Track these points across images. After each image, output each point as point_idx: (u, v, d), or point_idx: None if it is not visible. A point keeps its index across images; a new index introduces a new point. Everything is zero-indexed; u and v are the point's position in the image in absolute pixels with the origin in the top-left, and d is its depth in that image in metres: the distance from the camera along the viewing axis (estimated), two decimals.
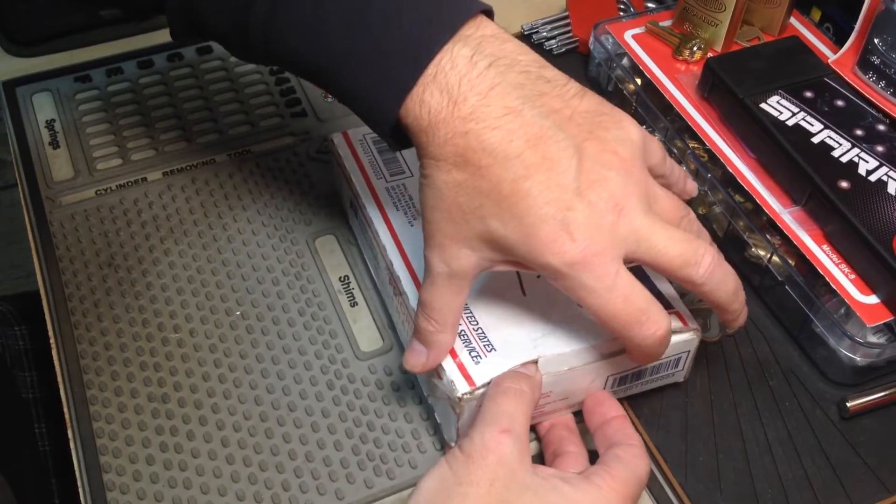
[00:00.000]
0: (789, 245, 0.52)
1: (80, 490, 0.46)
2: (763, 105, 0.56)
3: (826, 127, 0.55)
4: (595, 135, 0.39)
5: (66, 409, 0.48)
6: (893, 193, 0.51)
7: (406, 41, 0.38)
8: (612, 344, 0.44)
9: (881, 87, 0.59)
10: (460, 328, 0.44)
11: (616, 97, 0.64)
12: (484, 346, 0.44)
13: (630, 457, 0.41)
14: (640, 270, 0.48)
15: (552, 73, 0.40)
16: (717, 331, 0.52)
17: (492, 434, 0.39)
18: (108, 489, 0.45)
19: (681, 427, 0.48)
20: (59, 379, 0.50)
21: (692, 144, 0.59)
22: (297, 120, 0.64)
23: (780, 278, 0.51)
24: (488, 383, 0.42)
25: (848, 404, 0.48)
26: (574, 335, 0.44)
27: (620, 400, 0.47)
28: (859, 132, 0.54)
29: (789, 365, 0.51)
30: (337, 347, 0.51)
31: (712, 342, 0.52)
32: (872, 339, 0.50)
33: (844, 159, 0.53)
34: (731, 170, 0.56)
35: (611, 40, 0.64)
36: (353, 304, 0.53)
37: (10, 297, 0.73)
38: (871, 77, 0.59)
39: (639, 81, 0.63)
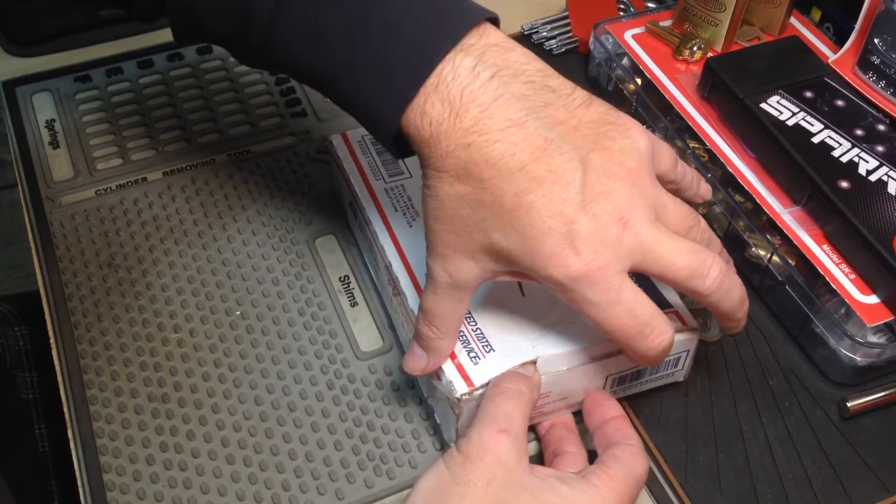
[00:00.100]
0: (789, 245, 0.52)
1: (80, 490, 0.46)
2: (763, 105, 0.56)
3: (826, 127, 0.55)
4: (601, 145, 0.39)
5: (66, 409, 0.49)
6: (893, 193, 0.51)
7: (408, 50, 0.38)
8: (611, 344, 0.44)
9: (881, 87, 0.59)
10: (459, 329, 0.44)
11: (616, 97, 0.64)
12: (482, 346, 0.44)
13: (628, 456, 0.41)
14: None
15: (557, 81, 0.39)
16: (717, 331, 0.52)
17: (489, 434, 0.39)
18: (108, 489, 0.45)
19: (681, 427, 0.48)
20: (59, 379, 0.50)
21: (692, 144, 0.59)
22: (297, 120, 0.64)
23: (780, 278, 0.51)
24: (487, 384, 0.42)
25: (848, 404, 0.48)
26: (573, 335, 0.44)
27: (620, 400, 0.47)
28: (859, 132, 0.54)
29: (789, 365, 0.51)
30: (337, 347, 0.51)
31: (712, 342, 0.52)
32: (872, 338, 0.50)
33: (844, 159, 0.53)
34: (731, 170, 0.56)
35: (611, 40, 0.64)
36: (353, 304, 0.53)
37: (10, 297, 0.73)
38: (871, 77, 0.59)
39: (639, 81, 0.63)
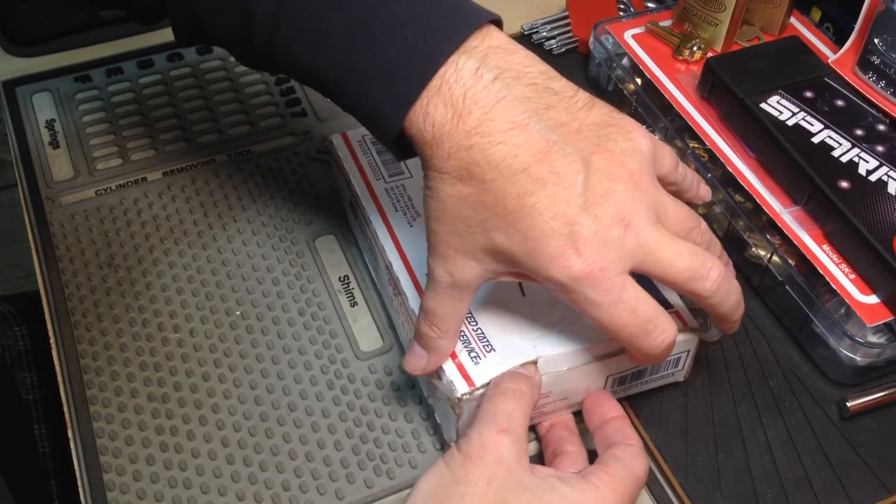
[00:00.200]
0: (789, 245, 0.52)
1: (80, 490, 0.46)
2: (763, 105, 0.56)
3: (826, 127, 0.55)
4: (603, 147, 0.39)
5: (66, 409, 0.49)
6: (893, 193, 0.51)
7: (411, 53, 0.38)
8: (611, 344, 0.44)
9: (881, 87, 0.59)
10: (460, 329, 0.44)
11: (616, 97, 0.64)
12: (483, 346, 0.44)
13: (628, 456, 0.41)
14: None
15: (560, 84, 0.40)
16: (717, 331, 0.52)
17: (490, 434, 0.39)
18: (108, 489, 0.45)
19: (681, 427, 0.48)
20: (59, 379, 0.50)
21: (692, 144, 0.59)
22: (297, 120, 0.64)
23: (780, 278, 0.51)
24: (488, 384, 0.42)
25: (848, 404, 0.48)
26: (573, 335, 0.44)
27: (620, 400, 0.47)
28: (859, 132, 0.54)
29: (789, 365, 0.51)
30: (337, 347, 0.51)
31: (712, 342, 0.52)
32: (872, 338, 0.50)
33: (844, 159, 0.53)
34: (731, 170, 0.56)
35: (611, 40, 0.64)
36: (353, 304, 0.53)
37: (10, 297, 0.73)
38: (871, 77, 0.59)
39: (639, 81, 0.63)
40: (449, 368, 0.43)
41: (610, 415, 0.44)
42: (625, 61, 0.64)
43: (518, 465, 0.39)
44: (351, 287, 0.54)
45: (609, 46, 0.64)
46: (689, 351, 0.47)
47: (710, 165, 0.57)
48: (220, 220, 0.57)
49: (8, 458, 0.63)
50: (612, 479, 0.39)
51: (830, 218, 0.51)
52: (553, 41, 0.70)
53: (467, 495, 0.38)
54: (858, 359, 0.48)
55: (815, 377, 0.51)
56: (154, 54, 0.68)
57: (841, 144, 0.54)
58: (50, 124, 0.63)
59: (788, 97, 0.56)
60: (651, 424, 0.48)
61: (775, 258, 0.51)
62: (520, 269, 0.39)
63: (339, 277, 0.54)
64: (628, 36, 0.65)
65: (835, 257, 0.51)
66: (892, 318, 0.49)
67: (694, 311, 0.47)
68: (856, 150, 0.53)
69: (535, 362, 0.43)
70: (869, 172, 0.52)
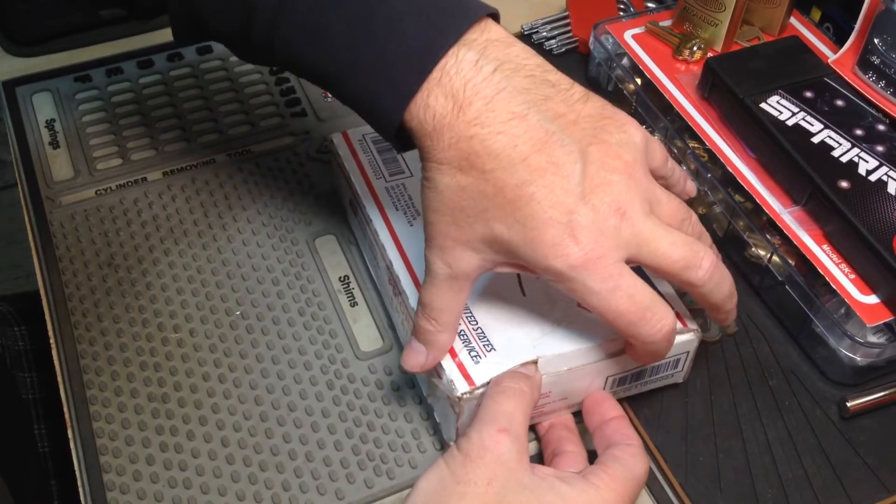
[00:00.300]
0: (789, 245, 0.52)
1: (80, 490, 0.46)
2: (763, 105, 0.56)
3: (826, 127, 0.55)
4: (599, 139, 0.39)
5: (66, 409, 0.48)
6: (893, 193, 0.51)
7: (411, 46, 0.38)
8: (612, 344, 0.44)
9: (881, 87, 0.59)
10: (460, 328, 0.44)
11: (616, 97, 0.64)
12: (483, 345, 0.44)
13: (628, 456, 0.41)
14: (639, 271, 0.48)
15: (556, 76, 0.40)
16: (716, 331, 0.52)
17: (490, 433, 0.39)
18: (108, 489, 0.45)
19: (681, 427, 0.48)
20: (59, 379, 0.50)
21: (692, 144, 0.59)
22: (297, 120, 0.64)
23: (780, 278, 0.51)
24: (488, 383, 0.42)
25: (848, 404, 0.48)
26: (574, 335, 0.44)
27: (620, 400, 0.47)
28: (859, 132, 0.54)
29: (789, 365, 0.51)
30: (337, 347, 0.51)
31: (712, 342, 0.52)
32: (872, 338, 0.50)
33: (844, 159, 0.53)
34: (731, 170, 0.56)
35: (611, 40, 0.64)
36: (353, 304, 0.53)
37: (10, 297, 0.73)
38: (871, 77, 0.59)
39: (639, 81, 0.63)
40: (449, 367, 0.43)
41: (610, 415, 0.44)
42: (625, 61, 0.64)
43: (518, 464, 0.39)
44: (351, 287, 0.54)
45: (609, 46, 0.64)
46: (688, 352, 0.47)
47: (710, 165, 0.57)
48: (220, 220, 0.57)
49: (8, 458, 0.63)
50: (612, 478, 0.39)
51: (830, 218, 0.51)
52: (553, 41, 0.70)
53: (467, 495, 0.38)
54: (858, 359, 0.48)
55: (815, 377, 0.51)
56: (154, 54, 0.68)
57: (841, 144, 0.54)
58: (50, 124, 0.63)
59: (788, 97, 0.56)
60: (651, 424, 0.48)
61: (775, 258, 0.51)
62: (518, 259, 0.39)
63: (339, 277, 0.54)
64: (628, 36, 0.65)
65: (835, 257, 0.51)
66: (892, 318, 0.49)
67: (693, 312, 0.47)
68: (856, 150, 0.53)
69: (535, 362, 0.43)
70: (869, 172, 0.52)
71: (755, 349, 0.52)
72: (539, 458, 0.46)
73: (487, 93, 0.38)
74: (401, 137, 0.41)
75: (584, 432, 0.46)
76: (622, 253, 0.39)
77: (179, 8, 0.45)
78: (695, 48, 0.63)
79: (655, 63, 0.63)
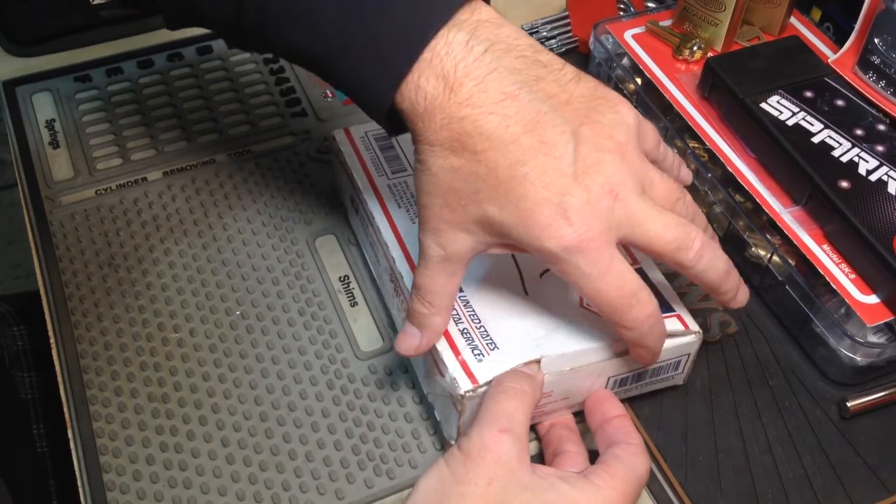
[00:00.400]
0: (789, 245, 0.52)
1: (80, 490, 0.46)
2: (763, 105, 0.56)
3: (826, 127, 0.55)
4: (592, 119, 0.39)
5: (66, 409, 0.48)
6: (893, 193, 0.51)
7: (401, 28, 0.38)
8: (614, 345, 0.44)
9: (881, 87, 0.59)
10: (463, 326, 0.44)
11: None
12: (487, 344, 0.44)
13: (629, 455, 0.41)
14: (639, 272, 0.47)
15: (548, 56, 0.40)
16: (717, 331, 0.52)
17: (491, 433, 0.39)
18: (108, 489, 0.45)
19: (681, 427, 0.48)
20: (59, 379, 0.50)
21: (692, 144, 0.59)
22: (297, 120, 0.64)
23: (780, 278, 0.51)
24: (490, 381, 0.42)
25: (848, 404, 0.48)
26: (577, 335, 0.44)
27: (621, 400, 0.47)
28: (859, 132, 0.54)
29: (789, 365, 0.51)
30: (337, 347, 0.51)
31: (712, 342, 0.52)
32: (872, 338, 0.50)
33: (844, 159, 0.53)
34: (731, 170, 0.56)
35: (611, 40, 0.64)
36: (353, 304, 0.53)
37: (9, 296, 0.73)
38: (871, 77, 0.59)
39: (639, 81, 0.63)
40: (452, 365, 0.43)
41: (611, 414, 0.44)
42: (625, 61, 0.64)
43: (519, 464, 0.39)
44: (351, 287, 0.54)
45: (609, 46, 0.64)
46: (689, 354, 0.47)
47: (710, 165, 0.57)
48: (220, 220, 0.57)
49: (7, 458, 0.63)
50: (613, 478, 0.39)
51: (830, 218, 0.51)
52: (553, 41, 0.70)
53: (468, 495, 0.38)
54: (858, 359, 0.48)
55: (815, 377, 0.51)
56: (154, 54, 0.68)
57: (841, 144, 0.54)
58: (50, 124, 0.63)
59: (788, 97, 0.56)
60: (651, 424, 0.48)
61: (775, 258, 0.51)
62: (511, 240, 0.39)
63: (339, 277, 0.54)
64: (628, 36, 0.65)
65: (835, 257, 0.51)
66: (892, 317, 0.49)
67: (694, 313, 0.47)
68: (856, 150, 0.53)
69: (538, 361, 0.43)
70: (869, 172, 0.52)
71: (755, 349, 0.52)
72: (540, 458, 0.46)
73: (479, 73, 0.38)
74: (393, 121, 0.41)
75: (585, 432, 0.46)
76: (614, 234, 0.39)
77: None
78: (695, 48, 0.63)
79: (655, 63, 0.63)
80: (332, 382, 0.49)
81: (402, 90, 0.39)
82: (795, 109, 0.56)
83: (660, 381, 0.48)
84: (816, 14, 0.66)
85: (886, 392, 0.49)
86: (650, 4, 0.73)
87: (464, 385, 0.42)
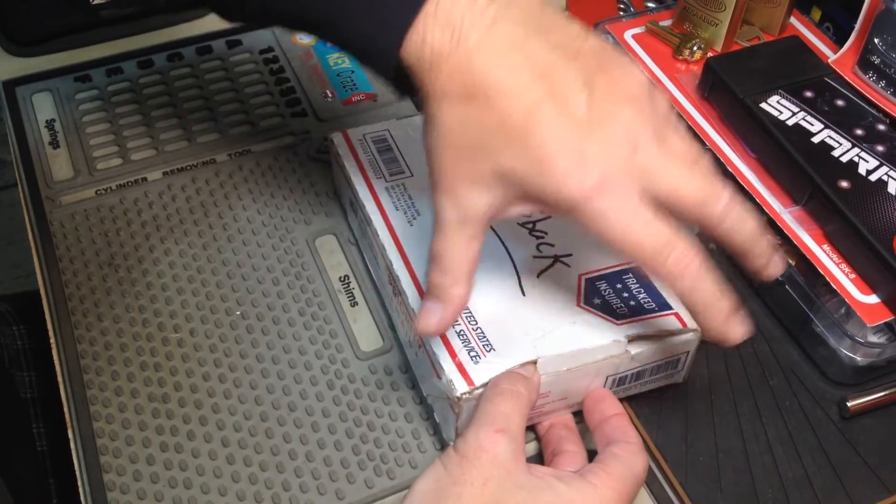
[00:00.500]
0: (789, 245, 0.52)
1: (81, 490, 0.46)
2: (763, 105, 0.56)
3: (826, 126, 0.55)
4: (604, 70, 0.38)
5: (66, 409, 0.48)
6: (893, 193, 0.51)
7: None
8: (612, 346, 0.44)
9: (881, 87, 0.59)
10: (460, 328, 0.44)
11: None
12: (483, 346, 0.44)
13: (627, 454, 0.41)
14: (638, 271, 0.48)
15: (553, 11, 0.39)
16: None
17: (487, 434, 0.39)
18: (108, 489, 0.45)
19: (681, 427, 0.48)
20: (60, 379, 0.50)
21: None
22: (297, 120, 0.64)
23: (780, 278, 0.51)
24: (487, 383, 0.42)
25: (848, 404, 0.48)
26: (574, 336, 0.44)
27: (620, 400, 0.47)
28: (859, 132, 0.54)
29: (789, 365, 0.51)
30: (337, 347, 0.51)
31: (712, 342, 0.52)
32: (873, 338, 0.50)
33: (844, 159, 0.53)
34: (731, 170, 0.56)
35: (611, 40, 0.64)
36: (354, 304, 0.53)
37: (9, 296, 0.73)
38: (872, 77, 0.59)
39: None
40: (448, 367, 0.43)
41: (609, 412, 0.44)
42: None
43: (515, 464, 0.39)
44: (351, 287, 0.54)
45: None
46: (688, 352, 0.47)
47: None
48: (220, 220, 0.57)
49: (7, 457, 0.63)
50: (609, 477, 0.39)
51: (830, 218, 0.51)
52: None
53: (464, 495, 0.38)
54: (858, 359, 0.48)
55: (815, 377, 0.51)
56: (154, 54, 0.68)
57: (841, 144, 0.54)
58: (50, 124, 0.63)
59: (788, 97, 0.56)
60: (651, 424, 0.48)
61: None
62: (529, 193, 0.38)
63: (339, 277, 0.54)
64: (628, 36, 0.65)
65: (835, 257, 0.51)
66: (892, 317, 0.49)
67: None
68: (856, 150, 0.53)
69: (534, 362, 0.43)
70: (869, 172, 0.52)
71: (755, 349, 0.52)
72: (539, 459, 0.46)
73: (484, 23, 0.37)
74: (401, 81, 0.40)
75: (585, 432, 0.46)
76: (636, 184, 0.37)
77: None
78: (695, 48, 0.63)
79: (655, 63, 0.63)
80: (333, 382, 0.49)
81: (406, 45, 0.37)
82: (795, 109, 0.56)
83: (660, 380, 0.48)
84: (816, 14, 0.66)
85: (886, 392, 0.49)
86: (650, 4, 0.73)
87: (460, 387, 0.42)
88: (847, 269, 0.51)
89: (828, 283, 0.50)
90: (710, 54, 0.63)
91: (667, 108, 0.40)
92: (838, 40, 0.63)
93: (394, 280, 0.48)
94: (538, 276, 0.47)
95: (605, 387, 0.46)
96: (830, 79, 0.58)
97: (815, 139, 0.54)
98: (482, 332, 0.44)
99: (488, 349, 0.43)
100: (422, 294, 0.46)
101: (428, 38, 0.37)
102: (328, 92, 0.66)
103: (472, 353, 0.43)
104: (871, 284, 0.50)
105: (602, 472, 0.40)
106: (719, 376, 0.50)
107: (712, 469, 0.47)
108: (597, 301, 0.46)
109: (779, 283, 0.51)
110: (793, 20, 0.66)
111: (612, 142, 0.37)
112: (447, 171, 0.38)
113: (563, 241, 0.49)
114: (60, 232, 0.57)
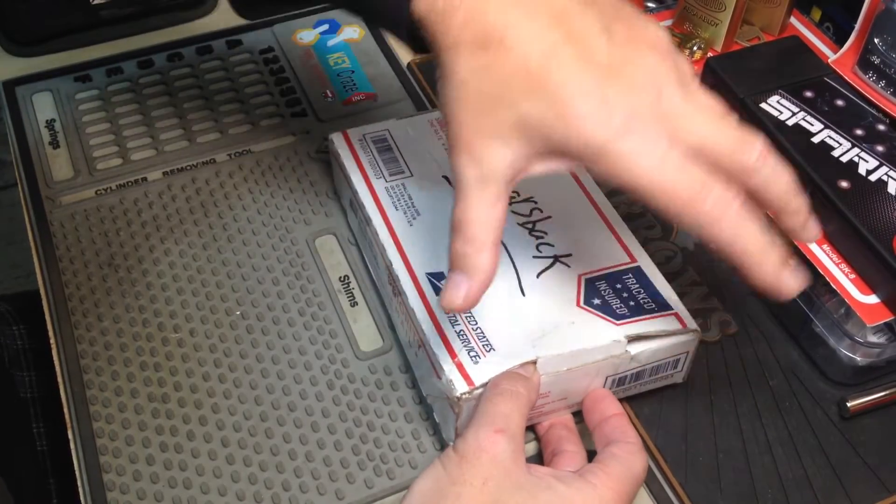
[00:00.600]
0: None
1: (81, 490, 0.46)
2: (763, 105, 0.56)
3: (826, 127, 0.55)
4: (622, 18, 0.37)
5: (66, 409, 0.49)
6: (893, 193, 0.51)
7: None
8: (611, 346, 0.44)
9: (881, 87, 0.59)
10: (460, 328, 0.44)
11: None
12: (483, 346, 0.44)
13: (626, 454, 0.41)
14: (637, 271, 0.48)
15: None
16: (717, 331, 0.52)
17: (486, 434, 0.39)
18: (108, 489, 0.45)
19: (681, 427, 0.48)
20: (59, 379, 0.50)
21: None
22: (297, 119, 0.64)
23: None
24: (487, 383, 0.42)
25: (848, 404, 0.48)
26: (574, 336, 0.44)
27: (620, 400, 0.47)
28: (859, 132, 0.54)
29: (789, 365, 0.51)
30: (337, 347, 0.51)
31: (712, 342, 0.52)
32: (872, 338, 0.50)
33: (844, 159, 0.53)
34: None
35: None
36: (353, 304, 0.53)
37: (9, 296, 0.73)
38: (871, 77, 0.59)
39: None
40: (448, 367, 0.43)
41: (609, 412, 0.44)
42: None
43: (514, 464, 0.39)
44: (351, 287, 0.54)
45: None
46: (688, 352, 0.47)
47: None
48: (220, 220, 0.57)
49: (7, 457, 0.63)
50: (609, 477, 0.39)
51: (830, 218, 0.51)
52: None
53: (463, 495, 0.38)
54: (858, 359, 0.48)
55: (815, 377, 0.51)
56: (154, 54, 0.68)
57: (841, 144, 0.54)
58: (50, 124, 0.63)
59: (788, 97, 0.56)
60: (651, 424, 0.48)
61: None
62: (551, 143, 0.36)
63: (339, 277, 0.54)
64: None
65: (835, 257, 0.51)
66: (892, 317, 0.49)
67: (694, 313, 0.47)
68: (856, 150, 0.53)
69: (534, 362, 0.43)
70: (869, 172, 0.52)
71: (755, 349, 0.52)
72: (538, 459, 0.46)
73: None
74: (415, 36, 0.38)
75: (585, 432, 0.46)
76: (662, 128, 0.35)
77: None
78: (695, 48, 0.63)
79: None
80: (332, 382, 0.49)
81: None
82: (795, 109, 0.56)
83: (659, 380, 0.48)
84: (816, 14, 0.67)
85: (886, 392, 0.49)
86: (650, 4, 0.73)
87: (460, 387, 0.42)
88: (847, 269, 0.51)
89: (828, 283, 0.50)
90: (710, 54, 0.63)
91: (689, 69, 0.38)
92: (838, 40, 0.63)
93: (394, 280, 0.48)
94: (538, 276, 0.47)
95: (604, 387, 0.46)
96: (830, 79, 0.58)
97: (815, 139, 0.54)
98: (482, 332, 0.44)
99: (488, 349, 0.43)
100: (422, 294, 0.46)
101: None
102: (328, 92, 0.66)
103: (472, 353, 0.43)
104: (870, 284, 0.50)
105: (601, 472, 0.40)
106: (719, 376, 0.50)
107: (712, 469, 0.47)
108: (596, 301, 0.46)
109: None
110: (793, 20, 0.66)
111: (635, 86, 0.35)
112: (464, 128, 0.36)
113: (563, 241, 0.49)
114: (60, 232, 0.57)
